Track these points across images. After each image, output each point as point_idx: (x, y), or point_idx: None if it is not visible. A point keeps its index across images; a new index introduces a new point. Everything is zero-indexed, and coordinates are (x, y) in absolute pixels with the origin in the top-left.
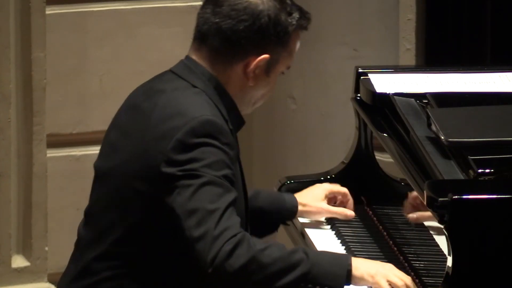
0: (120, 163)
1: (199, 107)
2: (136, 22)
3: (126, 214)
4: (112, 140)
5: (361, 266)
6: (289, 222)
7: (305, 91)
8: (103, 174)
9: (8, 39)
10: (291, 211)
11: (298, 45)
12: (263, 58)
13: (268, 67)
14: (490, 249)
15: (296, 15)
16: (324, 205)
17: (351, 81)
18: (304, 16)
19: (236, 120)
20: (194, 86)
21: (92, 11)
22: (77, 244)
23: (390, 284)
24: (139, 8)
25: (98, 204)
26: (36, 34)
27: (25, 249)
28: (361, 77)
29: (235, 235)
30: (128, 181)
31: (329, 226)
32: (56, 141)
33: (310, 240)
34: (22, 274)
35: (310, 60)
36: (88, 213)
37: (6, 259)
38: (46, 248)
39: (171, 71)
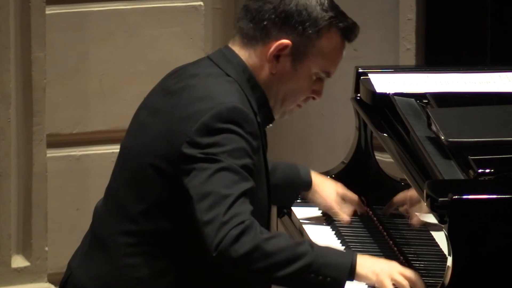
0: (145, 141)
1: (229, 94)
2: (136, 22)
3: (146, 192)
4: (141, 119)
5: (366, 263)
6: (288, 222)
7: None
8: (128, 151)
9: (8, 39)
10: (306, 182)
11: (338, 51)
12: (283, 43)
13: (293, 59)
14: (490, 249)
15: (331, 13)
16: (332, 199)
17: (351, 81)
18: (343, 18)
19: (265, 115)
20: (228, 75)
21: (92, 11)
22: (93, 222)
23: (394, 283)
24: (139, 8)
25: (119, 181)
26: (36, 34)
27: (25, 249)
28: (361, 77)
29: (243, 222)
30: (150, 158)
31: (329, 226)
32: (56, 141)
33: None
34: (22, 274)
35: None
36: (108, 189)
37: (6, 259)
38: (46, 248)
39: (208, 57)
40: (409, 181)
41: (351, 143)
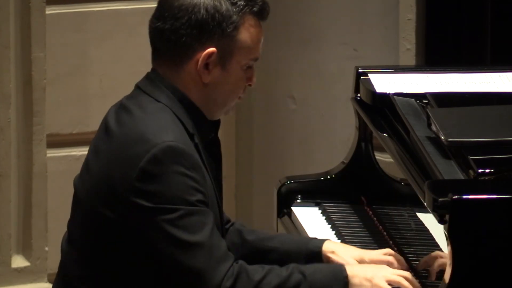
0: (89, 186)
1: (161, 131)
2: (136, 22)
3: (98, 238)
4: (88, 158)
5: (357, 273)
6: (288, 222)
7: (305, 91)
8: (78, 194)
9: (8, 39)
10: (314, 253)
11: (258, 35)
12: (209, 52)
13: (222, 62)
14: (490, 249)
15: (241, 3)
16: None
17: (351, 81)
18: (253, 3)
19: (205, 129)
20: (158, 101)
21: (92, 11)
22: (61, 259)
23: (390, 284)
24: (139, 8)
25: (75, 224)
26: (36, 34)
27: (25, 249)
28: (361, 77)
29: (231, 266)
30: (95, 205)
31: (329, 226)
32: (56, 141)
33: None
34: (22, 274)
35: (310, 60)
36: (69, 228)
37: (6, 259)
38: (46, 248)
39: (137, 86)
40: (409, 181)
41: (351, 143)
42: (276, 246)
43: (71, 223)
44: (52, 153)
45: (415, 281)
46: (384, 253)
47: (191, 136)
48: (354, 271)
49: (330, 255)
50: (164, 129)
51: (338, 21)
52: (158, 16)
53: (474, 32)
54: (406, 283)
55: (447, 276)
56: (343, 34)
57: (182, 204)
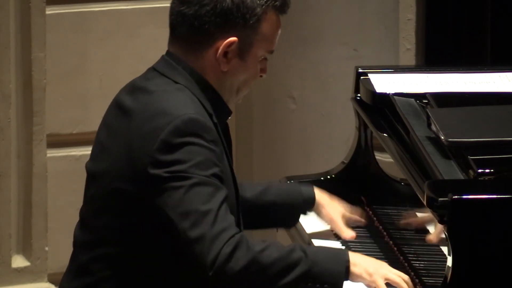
0: (107, 164)
1: (181, 105)
2: (136, 22)
3: (116, 216)
4: (101, 140)
5: (359, 262)
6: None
7: (305, 91)
8: (93, 175)
9: (8, 39)
10: (308, 202)
11: (277, 28)
12: (231, 41)
13: (241, 52)
14: (490, 249)
15: None
16: (337, 216)
17: (351, 81)
18: None
19: (222, 111)
20: (176, 82)
21: (92, 11)
22: (74, 245)
23: (388, 283)
24: (139, 8)
25: (90, 206)
26: (36, 34)
27: (25, 249)
28: (361, 77)
29: (232, 236)
30: (115, 182)
31: (329, 226)
32: (56, 141)
33: (310, 240)
34: (22, 274)
35: (310, 60)
36: (82, 214)
37: (6, 259)
38: (46, 248)
39: (153, 68)
40: (409, 181)
41: (351, 143)
42: (274, 200)
43: (84, 209)
44: (52, 153)
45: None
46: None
47: (209, 115)
48: (356, 260)
49: (321, 209)
50: (185, 103)
51: (338, 21)
52: (183, 0)
53: (474, 32)
54: (404, 285)
55: (447, 276)
56: (343, 34)
57: (197, 173)
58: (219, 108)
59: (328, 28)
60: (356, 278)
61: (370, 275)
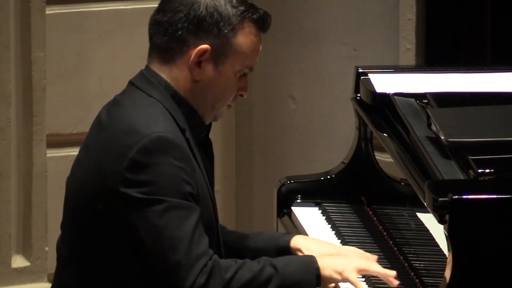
0: (79, 180)
1: (151, 123)
2: (136, 22)
3: (91, 234)
4: (79, 155)
5: (327, 264)
6: (288, 222)
7: (305, 91)
8: (68, 189)
9: (8, 39)
10: (284, 247)
11: (255, 43)
12: (202, 49)
13: (215, 62)
14: (490, 249)
15: (242, 8)
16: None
17: (351, 81)
18: (254, 10)
19: (197, 126)
20: (150, 96)
21: (92, 11)
22: (57, 260)
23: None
24: (139, 8)
25: (67, 222)
26: (36, 34)
27: (25, 249)
28: (361, 77)
29: (205, 265)
30: (87, 200)
31: (329, 226)
32: (56, 141)
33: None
34: (22, 274)
35: (310, 60)
36: (62, 228)
37: (6, 259)
38: (46, 248)
39: (131, 82)
40: (409, 181)
41: (351, 143)
42: (250, 245)
43: (63, 223)
44: (52, 153)
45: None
46: (355, 252)
47: (182, 131)
48: (324, 263)
49: (298, 252)
50: (155, 121)
51: (338, 21)
52: (159, 9)
53: (474, 32)
54: (375, 268)
55: (447, 276)
56: (343, 34)
57: (170, 195)
58: (194, 123)
59: (328, 28)
60: (328, 281)
61: (341, 273)
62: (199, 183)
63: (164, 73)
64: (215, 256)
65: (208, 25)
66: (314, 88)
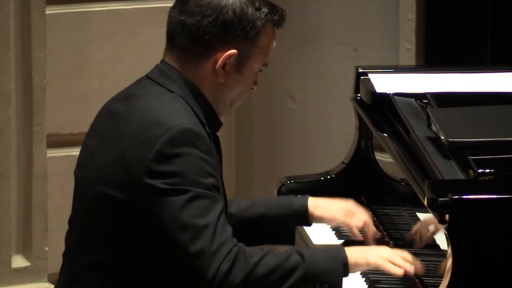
0: (97, 171)
1: (176, 115)
2: (136, 22)
3: (105, 223)
4: (90, 147)
5: (356, 254)
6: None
7: (305, 91)
8: (81, 182)
9: (8, 39)
10: (301, 211)
11: (273, 42)
12: (230, 54)
13: (239, 64)
14: (490, 249)
15: (265, 10)
16: (336, 212)
17: (351, 81)
18: (275, 11)
19: (213, 123)
20: (170, 91)
21: (92, 11)
22: (65, 253)
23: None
24: (139, 8)
25: (79, 213)
26: (36, 34)
27: (25, 249)
28: (361, 77)
29: (230, 251)
30: (104, 188)
31: (329, 226)
32: (56, 141)
33: (310, 240)
34: (22, 274)
35: (310, 60)
36: (71, 222)
37: (6, 259)
38: (46, 248)
39: (147, 76)
40: (409, 181)
41: (351, 143)
42: (262, 212)
43: (72, 217)
44: (52, 153)
45: (417, 263)
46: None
47: (203, 125)
48: (352, 253)
49: (314, 210)
50: (179, 113)
51: (338, 21)
52: (184, 10)
53: (474, 32)
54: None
55: (447, 276)
56: (343, 34)
57: (194, 186)
58: (210, 120)
59: (328, 28)
60: (355, 269)
61: (368, 261)
62: (219, 180)
63: (187, 71)
64: (240, 244)
65: (236, 30)
66: (314, 88)
